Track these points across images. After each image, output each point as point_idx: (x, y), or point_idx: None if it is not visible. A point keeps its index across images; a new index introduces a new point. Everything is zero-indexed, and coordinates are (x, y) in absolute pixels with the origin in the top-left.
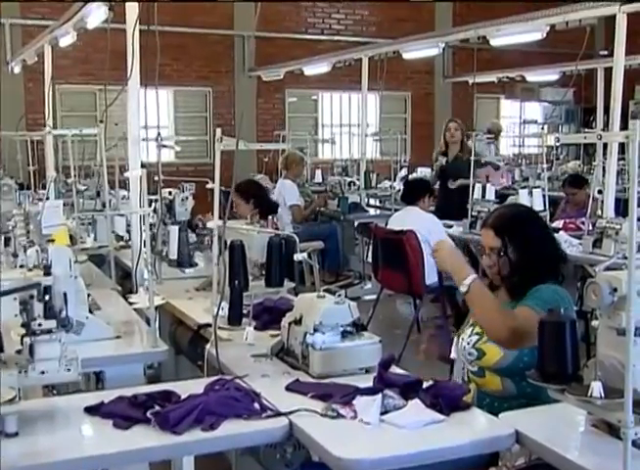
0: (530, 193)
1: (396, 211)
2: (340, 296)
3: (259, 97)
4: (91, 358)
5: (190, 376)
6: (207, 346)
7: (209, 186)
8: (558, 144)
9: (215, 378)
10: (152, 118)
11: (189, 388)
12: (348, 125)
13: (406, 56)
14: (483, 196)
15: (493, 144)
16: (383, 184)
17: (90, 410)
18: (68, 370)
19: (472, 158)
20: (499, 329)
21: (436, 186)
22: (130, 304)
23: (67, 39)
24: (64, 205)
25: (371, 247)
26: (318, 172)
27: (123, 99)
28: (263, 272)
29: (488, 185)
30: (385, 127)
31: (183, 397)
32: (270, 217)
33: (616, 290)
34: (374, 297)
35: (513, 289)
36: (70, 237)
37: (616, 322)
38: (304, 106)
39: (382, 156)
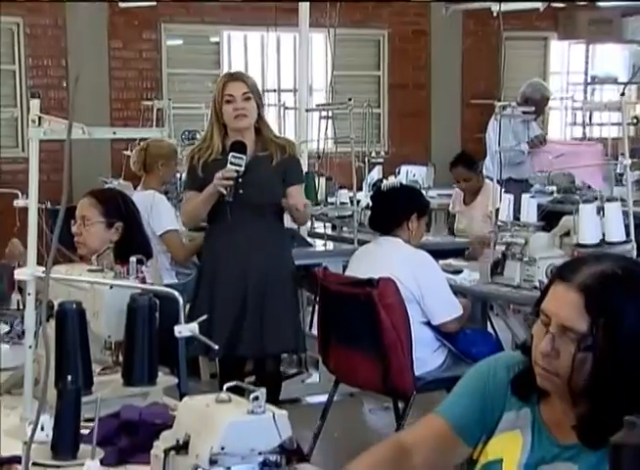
0: (601, 210)
1: (362, 244)
2: (258, 398)
3: (114, 38)
4: None
5: None
6: None
7: (20, 203)
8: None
9: None
10: None
11: None
12: (276, 91)
13: None
14: (517, 216)
15: (534, 123)
16: (338, 196)
17: None
18: None
19: (287, 155)
20: None
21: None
22: None
23: None
24: None
25: (317, 309)
26: None
27: None
28: (120, 359)
29: (526, 197)
30: (342, 94)
31: None
32: (133, 260)
33: None
34: (323, 398)
35: (588, 425)
36: None
37: None
38: (197, 55)
39: (336, 145)
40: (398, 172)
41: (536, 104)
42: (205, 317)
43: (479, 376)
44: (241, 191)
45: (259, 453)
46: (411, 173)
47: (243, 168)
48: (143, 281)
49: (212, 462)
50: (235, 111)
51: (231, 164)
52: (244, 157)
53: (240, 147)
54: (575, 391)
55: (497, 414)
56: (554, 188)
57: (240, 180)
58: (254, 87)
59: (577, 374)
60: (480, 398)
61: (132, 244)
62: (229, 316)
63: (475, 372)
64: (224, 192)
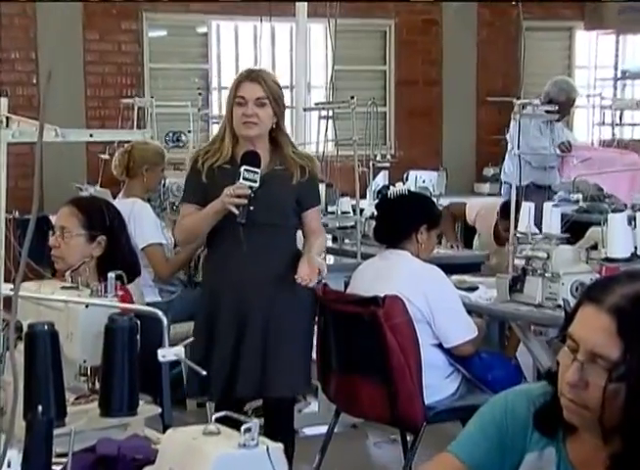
0: (633, 220)
1: (366, 258)
2: (250, 430)
3: (89, 29)
4: None
5: None
6: None
7: None
8: None
9: None
10: None
11: None
12: None
13: None
14: (539, 228)
15: (560, 124)
16: (339, 205)
17: None
18: None
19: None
20: None
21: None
22: None
23: None
24: None
25: (316, 330)
26: None
27: None
28: (97, 386)
29: (549, 206)
30: (344, 92)
31: None
32: (111, 276)
33: None
34: (323, 430)
35: (623, 466)
36: None
37: None
38: (183, 48)
39: (337, 148)
40: (406, 178)
41: (561, 105)
42: (191, 339)
43: (495, 411)
44: (252, 208)
45: None
46: (420, 179)
47: (257, 185)
48: (125, 298)
49: None
50: (244, 116)
51: (244, 178)
52: (258, 171)
53: (253, 159)
54: (607, 426)
55: (518, 455)
56: (580, 196)
57: (252, 195)
58: (274, 92)
59: (609, 407)
60: (497, 435)
61: (116, 260)
62: (228, 356)
63: (491, 407)
64: (235, 211)
